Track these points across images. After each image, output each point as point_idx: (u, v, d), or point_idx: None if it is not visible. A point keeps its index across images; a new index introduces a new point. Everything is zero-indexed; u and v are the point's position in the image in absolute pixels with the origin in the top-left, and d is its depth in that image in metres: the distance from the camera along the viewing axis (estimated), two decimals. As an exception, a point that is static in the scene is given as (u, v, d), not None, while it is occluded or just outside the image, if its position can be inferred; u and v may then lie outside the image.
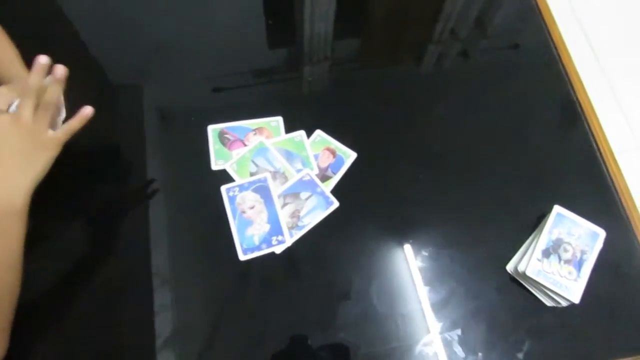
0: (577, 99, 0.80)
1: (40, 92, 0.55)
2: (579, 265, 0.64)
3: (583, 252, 0.65)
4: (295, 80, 0.85)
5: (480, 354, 0.62)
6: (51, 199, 0.67)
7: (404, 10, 0.93)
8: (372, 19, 0.94)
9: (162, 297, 0.64)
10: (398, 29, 0.92)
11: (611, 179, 0.74)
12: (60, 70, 0.56)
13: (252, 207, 0.69)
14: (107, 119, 0.78)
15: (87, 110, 0.58)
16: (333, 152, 0.74)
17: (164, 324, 0.63)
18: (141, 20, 0.87)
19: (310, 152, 0.73)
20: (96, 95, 0.77)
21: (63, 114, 0.63)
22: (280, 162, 0.72)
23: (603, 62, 1.11)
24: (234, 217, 0.68)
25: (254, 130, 0.75)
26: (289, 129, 0.76)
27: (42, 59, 0.56)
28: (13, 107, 0.61)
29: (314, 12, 0.90)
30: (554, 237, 0.65)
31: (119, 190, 0.73)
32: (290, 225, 0.68)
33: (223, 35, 0.87)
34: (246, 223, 0.68)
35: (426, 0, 0.95)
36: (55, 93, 0.56)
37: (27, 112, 0.54)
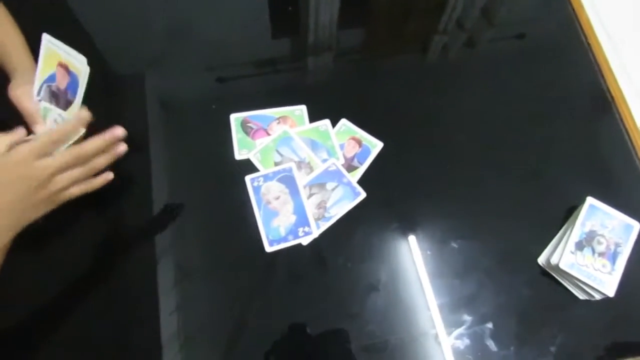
0: (607, 88, 0.79)
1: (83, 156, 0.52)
2: (613, 258, 0.62)
3: (617, 245, 0.63)
4: (314, 69, 0.84)
5: (512, 348, 0.61)
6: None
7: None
8: (385, 8, 0.92)
9: (187, 290, 0.63)
10: (431, 18, 0.90)
11: (644, 170, 0.72)
12: (122, 149, 0.55)
13: (277, 198, 0.67)
14: (123, 108, 0.77)
15: (109, 176, 0.56)
16: (359, 142, 0.72)
17: (189, 316, 0.62)
18: (153, 11, 0.86)
19: (336, 142, 0.71)
20: (106, 87, 0.76)
21: None
22: (306, 152, 0.70)
23: (620, 48, 1.08)
24: (259, 207, 0.67)
25: (278, 119, 0.73)
26: (312, 118, 0.74)
27: (119, 132, 0.54)
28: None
29: (320, 1, 0.88)
30: (587, 230, 0.64)
31: (142, 181, 0.71)
32: (316, 217, 0.66)
33: (238, 24, 0.86)
34: (272, 214, 0.66)
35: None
36: (100, 165, 0.54)
37: (56, 165, 0.50)
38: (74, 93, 0.62)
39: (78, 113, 0.57)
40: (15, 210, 0.49)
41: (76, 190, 0.54)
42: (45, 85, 0.61)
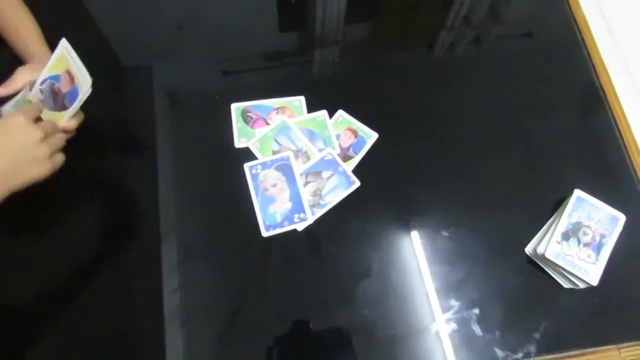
0: (600, 84, 0.80)
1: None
2: (598, 248, 0.64)
3: (602, 236, 0.65)
4: (315, 62, 0.86)
5: (497, 332, 0.63)
6: (70, 180, 0.70)
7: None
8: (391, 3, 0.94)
9: (185, 274, 0.66)
10: (439, 14, 0.91)
11: (632, 164, 0.74)
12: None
13: (274, 185, 0.70)
14: (131, 98, 0.80)
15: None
16: (355, 133, 0.74)
17: (186, 300, 0.64)
18: (160, 3, 0.88)
19: (333, 132, 0.74)
20: (113, 78, 0.79)
21: None
22: (303, 141, 0.73)
23: (622, 46, 1.09)
24: (257, 194, 0.69)
25: (277, 109, 0.76)
26: (310, 109, 0.76)
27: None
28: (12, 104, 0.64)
29: None
30: (573, 220, 0.66)
31: (141, 169, 0.74)
32: (312, 204, 0.69)
33: (246, 17, 0.87)
34: (268, 200, 0.69)
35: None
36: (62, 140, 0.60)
37: (46, 130, 0.57)
38: (70, 102, 0.64)
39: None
40: (13, 168, 0.53)
41: (60, 158, 0.59)
42: (49, 80, 0.64)
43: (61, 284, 0.65)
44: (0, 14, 0.70)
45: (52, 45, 0.66)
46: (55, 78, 0.65)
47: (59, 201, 0.69)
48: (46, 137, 0.56)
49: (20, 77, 0.65)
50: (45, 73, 0.65)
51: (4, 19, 0.70)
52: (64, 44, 0.63)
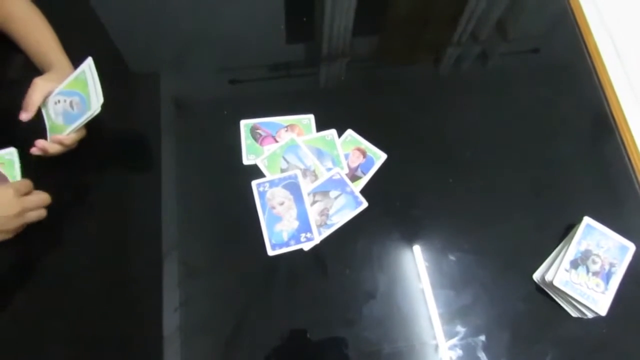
0: (610, 110, 0.80)
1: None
2: (607, 277, 0.64)
3: (612, 265, 0.64)
4: (322, 76, 0.86)
5: (503, 361, 0.63)
6: (72, 193, 0.71)
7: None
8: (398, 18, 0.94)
9: (189, 289, 0.65)
10: (446, 29, 0.91)
11: (642, 193, 0.73)
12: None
13: (281, 203, 0.70)
14: (138, 107, 0.80)
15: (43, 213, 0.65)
16: (363, 152, 0.74)
17: (190, 316, 0.64)
18: (171, 11, 0.88)
19: (341, 151, 0.74)
20: (119, 88, 0.79)
21: None
22: (311, 160, 0.73)
23: (629, 70, 1.09)
24: (264, 212, 0.69)
25: (286, 127, 0.76)
26: (320, 127, 0.76)
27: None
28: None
29: (336, 9, 0.90)
30: (582, 249, 0.65)
31: (145, 181, 0.74)
32: (319, 223, 0.68)
33: (250, 30, 0.88)
34: (275, 219, 0.68)
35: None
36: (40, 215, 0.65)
37: (31, 203, 0.62)
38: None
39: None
40: None
41: (30, 217, 0.63)
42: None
43: (59, 300, 0.64)
44: (22, 25, 0.72)
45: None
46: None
47: (60, 214, 0.69)
48: (22, 211, 0.61)
49: (36, 95, 0.66)
50: (62, 86, 0.66)
51: (25, 30, 0.72)
52: (89, 64, 0.65)
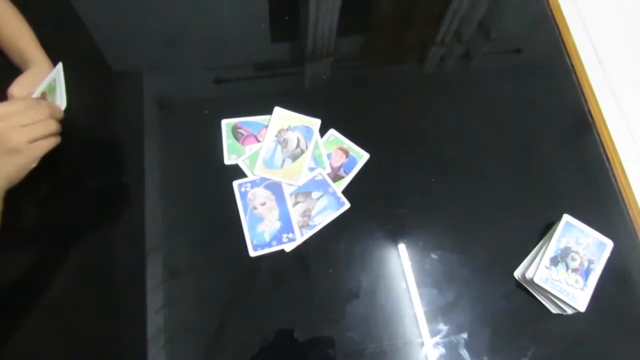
0: (588, 108, 0.81)
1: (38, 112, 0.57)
2: (586, 274, 0.65)
3: (590, 262, 0.65)
4: (307, 75, 0.85)
5: (485, 358, 0.63)
6: (54, 192, 0.69)
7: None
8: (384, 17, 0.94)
9: (171, 291, 0.64)
10: (428, 29, 0.92)
11: (619, 190, 0.74)
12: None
13: (263, 204, 0.69)
14: (120, 107, 0.79)
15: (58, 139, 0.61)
16: (346, 152, 0.74)
17: (172, 318, 0.63)
18: (154, 10, 0.87)
19: (324, 151, 0.73)
20: (100, 87, 0.78)
21: None
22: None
23: (608, 70, 1.10)
24: (245, 212, 0.68)
25: (267, 126, 0.75)
26: (302, 126, 0.76)
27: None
28: None
29: (320, 8, 0.90)
30: (562, 246, 0.66)
31: (127, 182, 0.73)
32: (301, 224, 0.68)
33: (234, 29, 0.87)
34: (257, 219, 0.68)
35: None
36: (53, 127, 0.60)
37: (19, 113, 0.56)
38: None
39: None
40: None
41: (44, 144, 0.58)
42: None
43: (42, 302, 0.63)
44: None
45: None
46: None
47: (40, 215, 0.67)
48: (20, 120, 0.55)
49: (20, 88, 0.66)
50: (38, 92, 0.67)
51: (1, 26, 0.70)
52: (59, 69, 0.65)
